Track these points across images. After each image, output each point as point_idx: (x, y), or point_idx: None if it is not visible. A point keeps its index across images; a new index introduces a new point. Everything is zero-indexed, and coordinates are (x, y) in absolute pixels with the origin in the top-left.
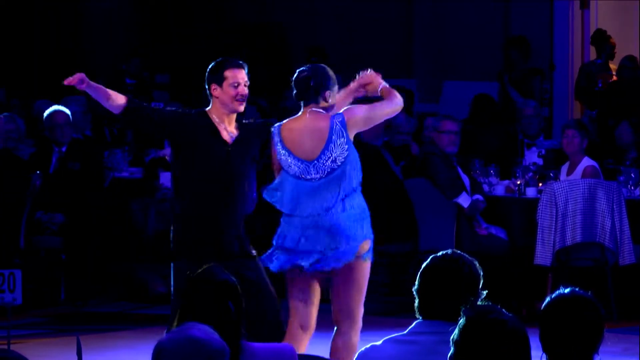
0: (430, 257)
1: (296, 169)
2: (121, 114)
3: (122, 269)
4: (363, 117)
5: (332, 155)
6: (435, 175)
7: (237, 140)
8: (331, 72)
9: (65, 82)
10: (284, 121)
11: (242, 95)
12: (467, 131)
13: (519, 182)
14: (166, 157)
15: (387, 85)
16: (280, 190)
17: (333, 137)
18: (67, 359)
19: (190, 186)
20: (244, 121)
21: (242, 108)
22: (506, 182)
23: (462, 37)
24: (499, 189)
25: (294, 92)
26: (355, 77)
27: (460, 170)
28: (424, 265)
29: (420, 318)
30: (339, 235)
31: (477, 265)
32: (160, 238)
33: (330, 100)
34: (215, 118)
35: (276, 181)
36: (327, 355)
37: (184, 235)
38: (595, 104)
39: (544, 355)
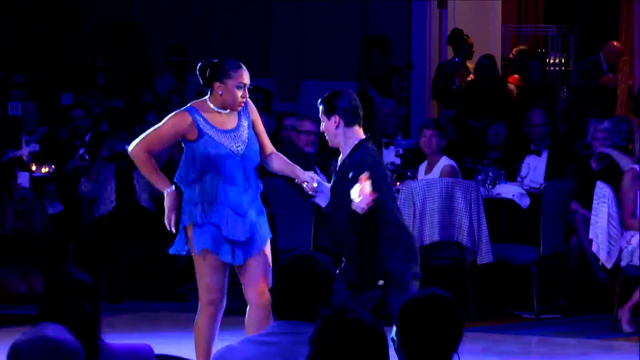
0: (284, 256)
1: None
2: None
3: None
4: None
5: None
6: None
7: None
8: (227, 66)
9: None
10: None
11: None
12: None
13: None
14: (23, 157)
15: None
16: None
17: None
18: None
19: None
20: None
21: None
22: None
23: (320, 36)
24: None
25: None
26: None
27: (318, 170)
28: (277, 265)
29: (276, 318)
30: None
31: (332, 264)
32: (18, 238)
33: (220, 92)
34: None
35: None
36: None
37: None
38: (452, 103)
39: (403, 354)
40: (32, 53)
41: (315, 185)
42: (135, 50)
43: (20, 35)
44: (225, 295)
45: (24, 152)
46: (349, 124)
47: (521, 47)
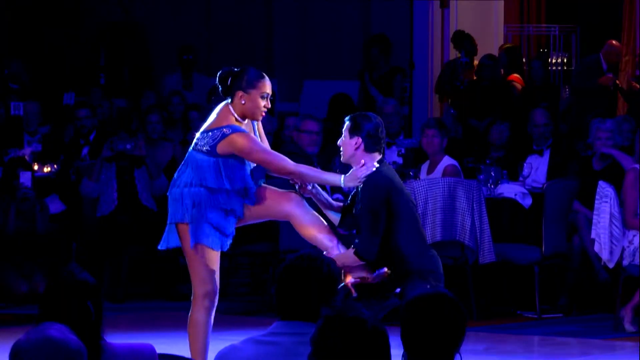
0: (289, 256)
1: None
2: None
3: None
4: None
5: (201, 140)
6: None
7: None
8: (250, 76)
9: None
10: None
11: None
12: (327, 130)
13: None
14: (25, 157)
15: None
16: None
17: (210, 134)
18: None
19: None
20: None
21: None
22: None
23: (323, 36)
24: None
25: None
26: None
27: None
28: (282, 265)
29: (280, 318)
30: None
31: (335, 264)
32: (20, 237)
33: (243, 102)
34: None
35: None
36: None
37: None
38: (457, 102)
39: (405, 354)
40: (34, 52)
41: (309, 187)
42: (137, 49)
43: (22, 35)
44: (218, 290)
45: (26, 151)
46: (368, 149)
47: (507, 46)
